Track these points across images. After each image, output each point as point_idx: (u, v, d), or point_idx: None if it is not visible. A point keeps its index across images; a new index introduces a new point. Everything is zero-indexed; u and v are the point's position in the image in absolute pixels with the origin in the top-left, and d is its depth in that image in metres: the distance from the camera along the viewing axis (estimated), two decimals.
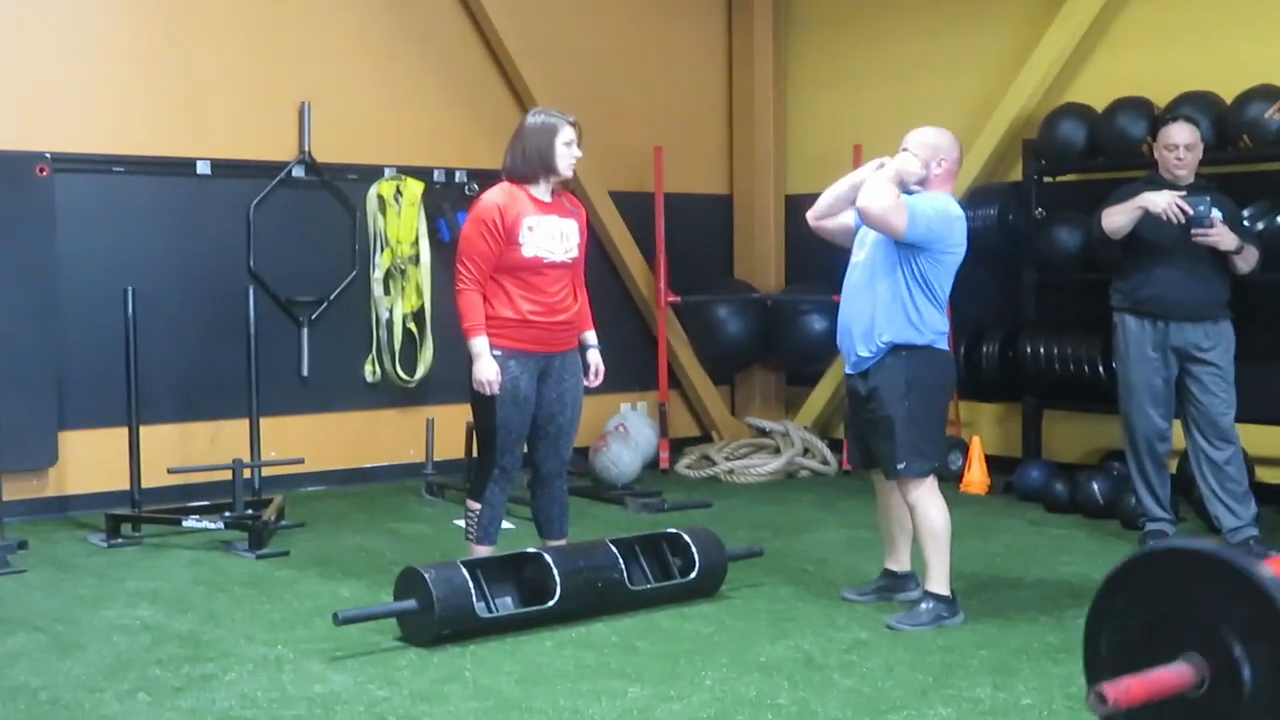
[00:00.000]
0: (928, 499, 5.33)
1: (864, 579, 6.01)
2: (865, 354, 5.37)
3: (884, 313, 5.30)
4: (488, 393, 5.52)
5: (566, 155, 5.62)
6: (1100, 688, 2.83)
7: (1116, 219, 6.45)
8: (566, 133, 5.61)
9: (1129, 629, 3.04)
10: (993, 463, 8.50)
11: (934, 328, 5.32)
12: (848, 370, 5.53)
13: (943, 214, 5.28)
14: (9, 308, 7.15)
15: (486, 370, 5.50)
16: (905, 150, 5.41)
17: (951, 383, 5.53)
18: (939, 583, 5.34)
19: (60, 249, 7.57)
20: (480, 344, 5.51)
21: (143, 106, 7.91)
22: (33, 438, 7.46)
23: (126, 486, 7.18)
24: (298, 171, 8.39)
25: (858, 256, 5.51)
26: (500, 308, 5.56)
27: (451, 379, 8.42)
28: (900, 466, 5.30)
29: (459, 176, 8.92)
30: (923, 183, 5.38)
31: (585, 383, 5.85)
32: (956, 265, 5.39)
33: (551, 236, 5.61)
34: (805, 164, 10.12)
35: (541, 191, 5.64)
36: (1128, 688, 2.83)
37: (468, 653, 4.99)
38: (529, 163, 5.61)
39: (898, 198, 5.20)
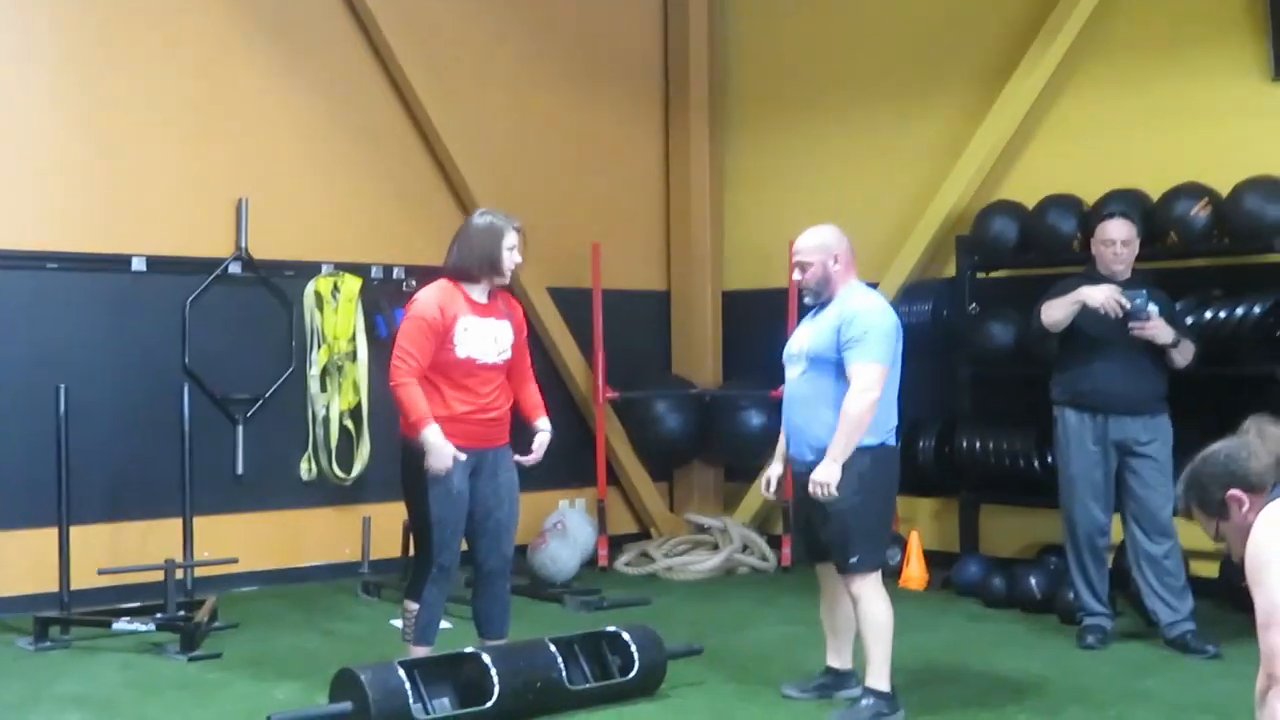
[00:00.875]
0: (873, 593, 5.33)
1: (805, 675, 5.97)
2: (815, 457, 5.37)
3: (832, 422, 5.31)
4: (445, 472, 5.45)
5: (510, 259, 5.65)
6: None
7: (1055, 312, 6.54)
8: (511, 237, 5.64)
9: None
10: (931, 557, 8.50)
11: (884, 426, 5.36)
12: (796, 469, 5.53)
13: (883, 337, 5.34)
14: None
15: (444, 457, 5.44)
16: (798, 259, 5.46)
17: (897, 478, 5.54)
18: (879, 678, 5.33)
19: None
20: (433, 433, 5.46)
21: (77, 202, 7.86)
22: None
23: (55, 588, 7.04)
24: (234, 268, 8.35)
25: (794, 371, 5.55)
26: (433, 405, 5.53)
27: (388, 476, 8.28)
28: (853, 560, 5.30)
29: (397, 273, 8.92)
30: (828, 282, 5.44)
31: (519, 460, 5.78)
32: (899, 361, 5.43)
33: (485, 338, 5.62)
34: (742, 259, 10.21)
35: (479, 293, 5.66)
36: None
37: None
38: (471, 263, 5.63)
39: (870, 406, 5.25)
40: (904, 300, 8.68)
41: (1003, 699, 5.67)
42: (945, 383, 8.56)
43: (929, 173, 9.01)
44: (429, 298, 5.61)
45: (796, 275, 5.54)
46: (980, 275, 8.58)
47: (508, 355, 5.71)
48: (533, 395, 5.91)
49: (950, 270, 8.74)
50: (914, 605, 7.71)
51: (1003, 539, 8.56)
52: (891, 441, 5.44)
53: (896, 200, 9.13)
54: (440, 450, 5.45)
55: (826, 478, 5.25)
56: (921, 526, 8.74)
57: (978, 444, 8.26)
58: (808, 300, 5.58)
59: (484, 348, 5.60)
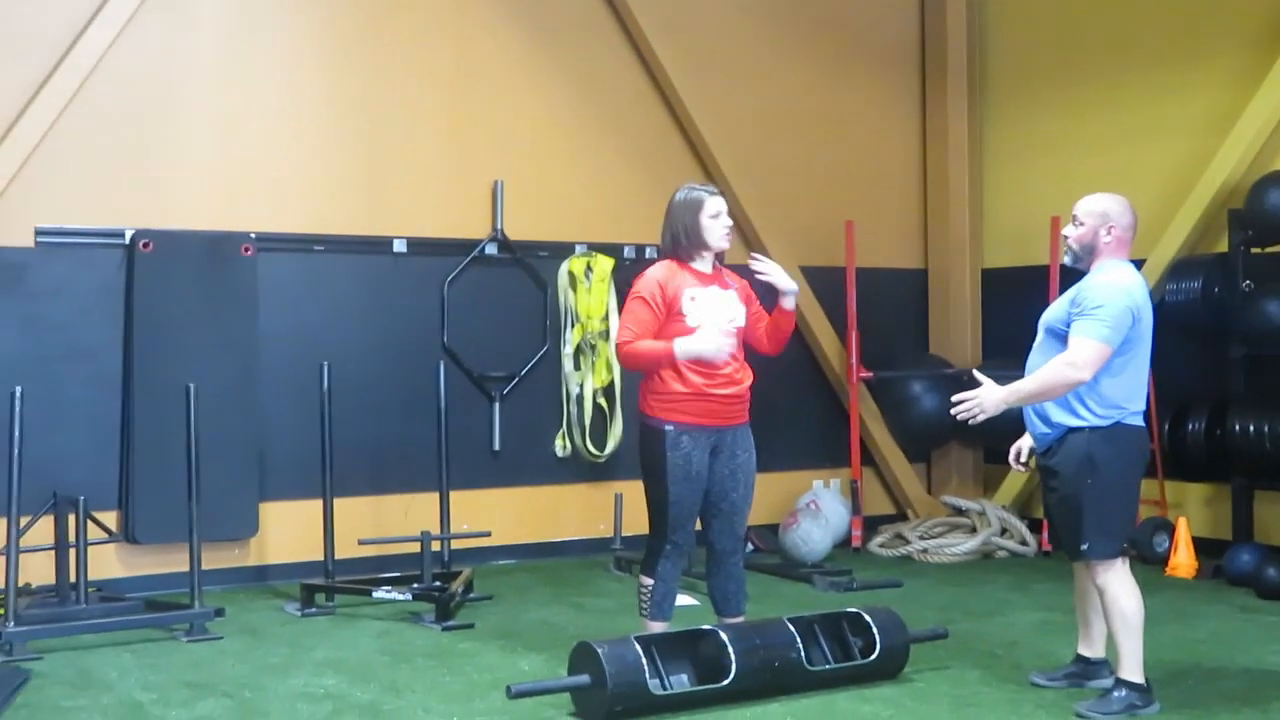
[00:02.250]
0: (1117, 582, 5.11)
1: (1055, 663, 5.78)
2: (1045, 431, 5.20)
3: (1061, 399, 5.12)
4: (717, 350, 5.43)
5: (715, 228, 5.59)
6: None
7: None
8: (711, 205, 5.59)
9: None
10: (1200, 545, 8.13)
11: (1117, 403, 5.10)
12: (1036, 449, 5.36)
13: (1115, 318, 5.06)
14: (215, 382, 7.39)
15: (704, 343, 5.42)
16: (1075, 214, 5.25)
17: (1143, 460, 5.28)
18: (1132, 669, 5.11)
19: (262, 325, 7.84)
20: (682, 343, 5.42)
21: (342, 188, 8.17)
22: (235, 508, 7.71)
23: (321, 557, 7.33)
24: (490, 249, 8.55)
25: (1036, 343, 5.37)
26: (671, 382, 5.52)
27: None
28: (1084, 548, 5.10)
29: (649, 252, 8.96)
30: (1092, 251, 5.22)
31: (759, 268, 5.66)
32: (1146, 336, 5.18)
33: (715, 307, 5.58)
34: (1002, 237, 9.94)
35: (703, 264, 5.63)
36: None
37: None
38: (679, 238, 5.61)
39: (1071, 383, 5.03)
40: (1172, 277, 8.31)
41: (1269, 696, 5.36)
42: (1217, 364, 8.17)
43: (1199, 144, 8.58)
44: (649, 275, 5.62)
45: (1066, 230, 5.32)
46: (1255, 250, 8.14)
47: (740, 324, 5.66)
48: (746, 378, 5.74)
49: (1222, 246, 8.31)
50: (1180, 594, 7.40)
51: (1278, 527, 8.11)
52: (1131, 421, 5.16)
53: (1164, 174, 8.72)
54: (697, 343, 5.40)
55: (982, 396, 5.10)
56: (1191, 513, 8.36)
57: (1251, 427, 7.84)
58: (1066, 260, 5.37)
59: (716, 315, 5.55)
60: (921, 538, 8.99)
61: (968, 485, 9.99)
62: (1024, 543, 8.92)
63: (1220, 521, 8.37)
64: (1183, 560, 8.03)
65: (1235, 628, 6.68)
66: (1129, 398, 5.14)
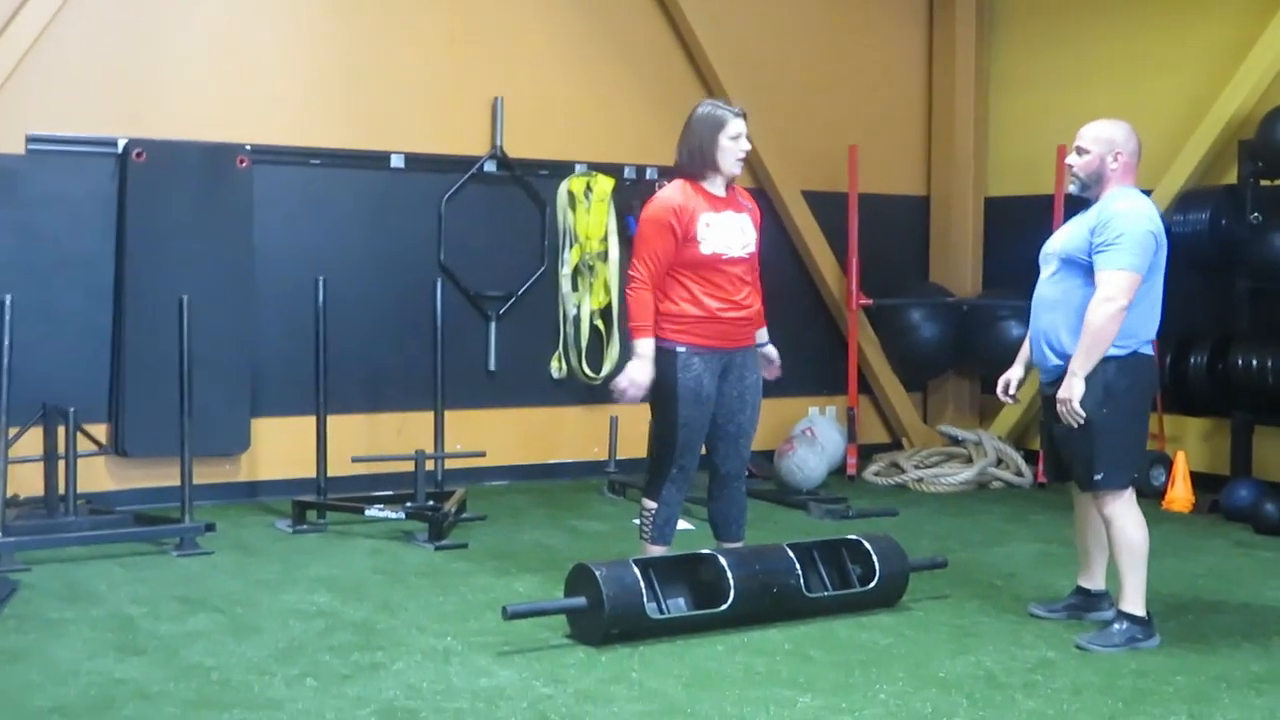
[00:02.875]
0: (1125, 513, 5.05)
1: (1054, 595, 5.75)
2: (1058, 362, 5.11)
3: (1077, 328, 5.02)
4: (629, 395, 5.43)
5: (732, 150, 5.45)
6: None
7: None
8: (733, 126, 5.45)
9: None
10: (1198, 480, 8.09)
11: (1133, 333, 5.02)
12: (1042, 379, 5.27)
13: (1138, 244, 4.97)
14: (209, 295, 7.27)
15: (642, 373, 5.41)
16: (1078, 143, 5.15)
17: (1153, 390, 5.21)
18: (1134, 602, 5.06)
19: (257, 240, 7.72)
20: (646, 345, 5.42)
21: (339, 101, 8.02)
22: (226, 424, 7.64)
23: (313, 474, 7.26)
24: (489, 167, 8.42)
25: (1046, 272, 5.26)
26: (684, 304, 5.44)
27: None
28: (1097, 478, 5.02)
29: (650, 173, 8.85)
30: (1100, 179, 5.11)
31: (766, 376, 5.70)
32: (1162, 265, 5.10)
33: (729, 232, 5.47)
34: (1006, 166, 9.82)
35: (716, 186, 5.51)
36: None
37: (636, 654, 4.89)
38: (696, 156, 5.49)
39: (1115, 315, 4.93)
40: (1179, 209, 8.21)
41: (1269, 631, 5.33)
42: (1221, 297, 8.09)
43: (1210, 75, 8.45)
44: (665, 199, 5.49)
45: (1070, 159, 5.22)
46: (1264, 183, 8.04)
47: (752, 249, 5.56)
48: (757, 302, 5.71)
49: (1231, 177, 8.21)
50: (1178, 529, 7.36)
51: (1277, 463, 8.07)
52: (1145, 350, 5.09)
53: (1174, 104, 8.60)
54: (644, 364, 5.39)
55: (1069, 394, 4.97)
56: (1189, 447, 8.32)
57: (1254, 362, 7.78)
58: (1071, 189, 5.26)
59: (729, 241, 5.45)
60: (917, 467, 8.95)
61: (964, 415, 9.93)
62: (1019, 473, 8.88)
63: (1219, 456, 8.33)
64: (1180, 494, 7.99)
65: (1233, 563, 6.64)
66: (1144, 327, 5.07)
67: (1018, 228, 9.55)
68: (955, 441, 9.23)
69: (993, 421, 9.52)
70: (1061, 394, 5.00)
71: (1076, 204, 5.41)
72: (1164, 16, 8.82)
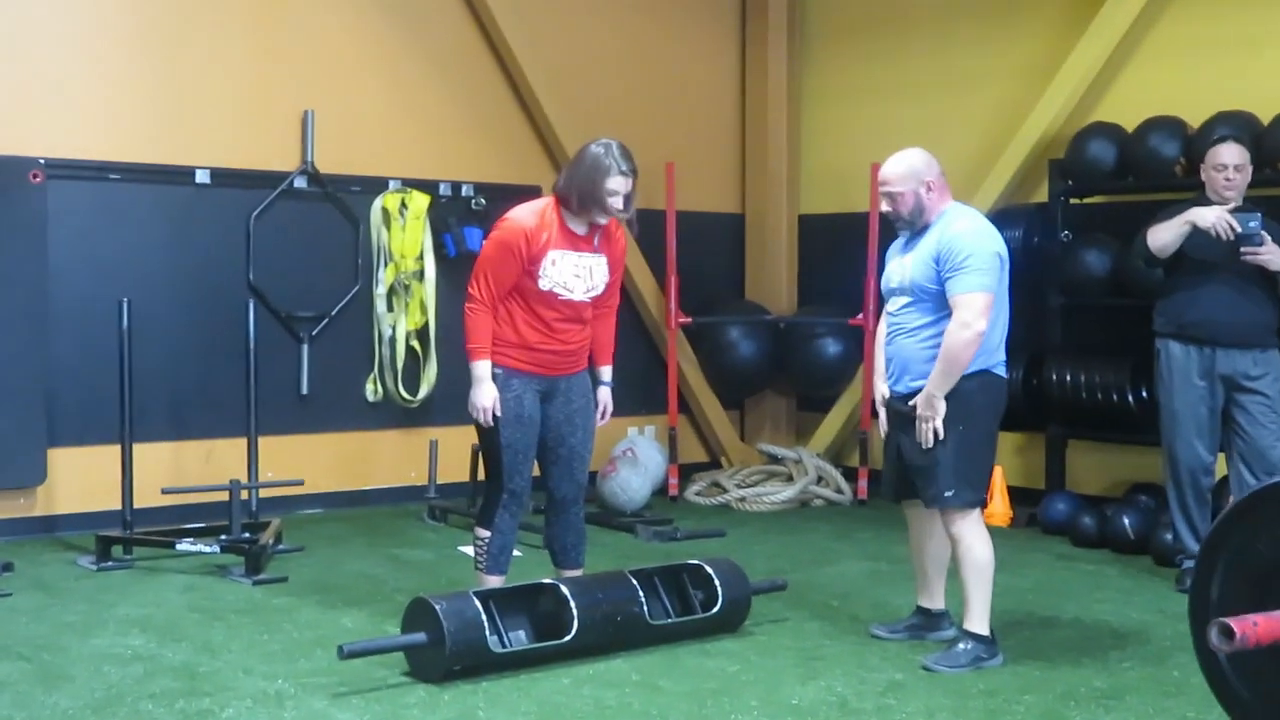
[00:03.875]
0: (973, 531, 5.04)
1: (891, 615, 5.73)
2: (917, 384, 5.06)
3: (934, 348, 5.00)
4: (482, 420, 5.26)
5: (610, 202, 5.26)
6: (1225, 621, 2.56)
7: (1163, 235, 6.19)
8: (614, 181, 5.25)
9: (1248, 568, 2.77)
10: (1014, 494, 8.22)
11: (988, 352, 5.03)
12: (894, 395, 5.21)
13: (987, 263, 4.99)
14: None
15: (483, 396, 5.24)
16: (887, 189, 5.12)
17: (1002, 409, 5.22)
18: (979, 621, 5.05)
19: (52, 258, 7.27)
20: (482, 368, 5.24)
21: (141, 112, 7.63)
22: (20, 454, 7.18)
23: (118, 506, 6.86)
24: (300, 182, 8.10)
25: (895, 304, 5.21)
26: (503, 328, 5.28)
27: (456, 399, 8.08)
28: (948, 494, 5.00)
29: (465, 190, 8.64)
30: (922, 211, 5.11)
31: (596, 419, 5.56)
32: (1006, 283, 5.13)
33: (574, 273, 5.30)
34: (820, 183, 9.87)
35: (577, 224, 5.33)
36: (1255, 624, 2.56)
37: (480, 690, 4.70)
38: (571, 192, 5.29)
39: (972, 340, 4.91)
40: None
41: (1105, 645, 5.38)
42: (1034, 313, 8.18)
43: (1020, 93, 8.61)
44: (518, 221, 5.27)
45: (885, 207, 5.19)
46: (1074, 201, 8.21)
47: (598, 292, 5.40)
48: (605, 333, 5.58)
49: (1041, 195, 8.36)
50: (999, 543, 7.15)
51: (1091, 476, 8.25)
52: (997, 370, 5.11)
53: (985, 122, 8.74)
54: (484, 387, 5.22)
55: (931, 412, 4.95)
56: (1005, 461, 8.39)
57: (1068, 377, 7.92)
58: (902, 230, 5.24)
59: (570, 283, 5.28)
60: (739, 486, 8.90)
61: (781, 433, 9.94)
62: (840, 491, 8.91)
63: (1033, 470, 8.47)
64: (998, 509, 8.09)
65: (1058, 576, 6.73)
66: (996, 345, 5.08)
67: (832, 245, 9.65)
68: (775, 460, 9.22)
69: (810, 439, 9.54)
70: (924, 410, 4.96)
71: (892, 223, 5.39)
72: (975, 32, 8.95)
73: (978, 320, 4.91)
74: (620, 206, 5.30)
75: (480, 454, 5.53)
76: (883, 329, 5.33)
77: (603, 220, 5.33)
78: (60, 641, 5.29)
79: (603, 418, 5.60)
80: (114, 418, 6.88)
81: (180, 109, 7.73)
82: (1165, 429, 6.41)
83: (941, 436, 4.96)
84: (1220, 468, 6.42)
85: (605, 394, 5.61)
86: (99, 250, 7.50)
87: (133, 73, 7.60)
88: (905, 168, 5.14)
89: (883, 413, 5.33)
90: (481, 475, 5.70)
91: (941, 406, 4.94)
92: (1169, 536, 6.64)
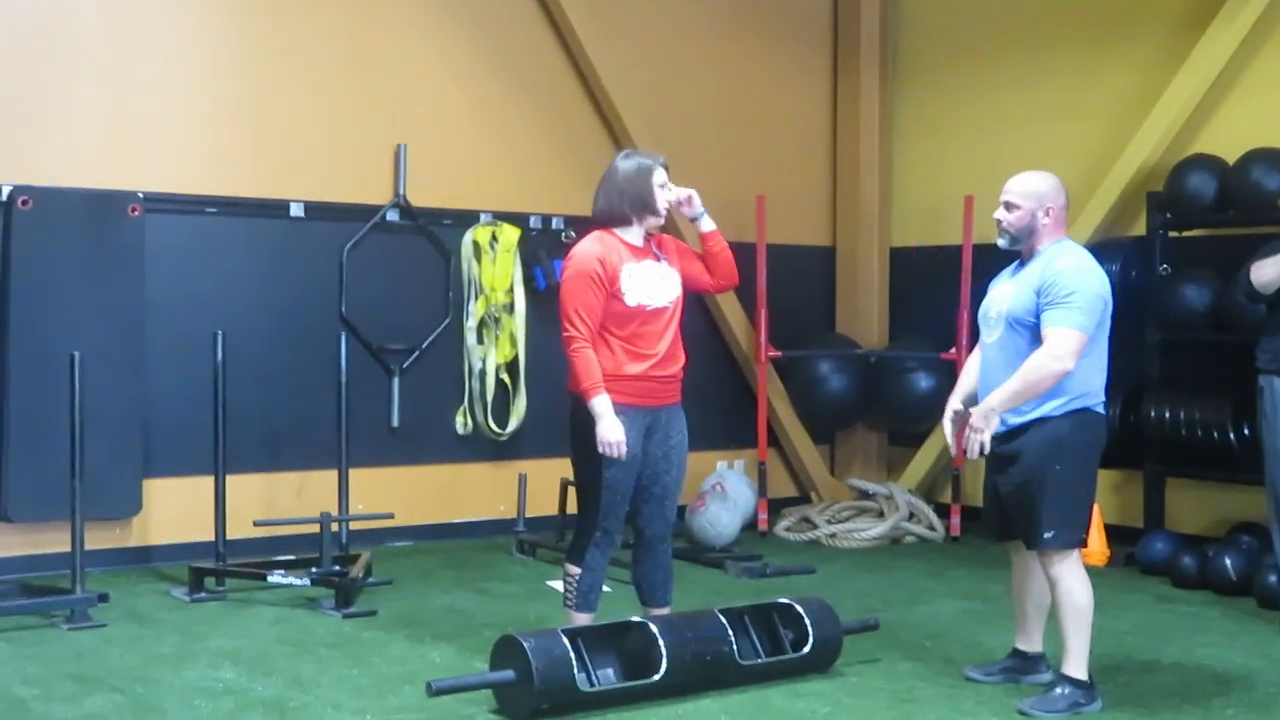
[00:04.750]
0: (1072, 573, 4.93)
1: (985, 656, 5.62)
2: (1012, 420, 4.97)
3: None
4: (614, 454, 5.17)
5: (661, 197, 5.34)
6: None
7: (1267, 271, 6.05)
8: (660, 174, 5.35)
9: None
10: (1111, 533, 8.06)
11: (1086, 389, 4.93)
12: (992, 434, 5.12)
13: (1089, 303, 4.92)
14: (97, 350, 6.88)
15: (612, 431, 5.14)
16: (1006, 198, 5.06)
17: (1102, 448, 5.11)
18: (1077, 666, 4.94)
19: (149, 291, 7.37)
20: (603, 403, 5.16)
21: (236, 147, 7.73)
22: (116, 485, 7.25)
23: (211, 538, 6.91)
24: (392, 215, 8.17)
25: (991, 336, 5.13)
26: (606, 361, 5.24)
27: (545, 432, 8.15)
28: (1047, 535, 4.90)
29: (556, 223, 8.66)
30: (1031, 234, 5.03)
31: (672, 198, 5.42)
32: (1108, 324, 5.03)
33: (651, 282, 5.31)
34: (911, 216, 9.78)
35: (634, 236, 5.35)
36: None
37: None
38: (624, 206, 5.33)
39: (1056, 374, 4.84)
40: None
41: (1207, 691, 5.24)
42: (1131, 348, 8.00)
43: (1117, 125, 8.48)
44: (587, 251, 5.29)
45: (999, 214, 5.11)
46: (1173, 234, 8.06)
47: (677, 294, 5.39)
48: (680, 357, 5.50)
49: (1139, 229, 8.22)
50: (1096, 583, 7.04)
51: (1190, 515, 8.07)
52: (1097, 408, 5.01)
53: (1081, 154, 8.61)
54: (609, 422, 5.14)
55: (983, 424, 4.86)
56: (1101, 499, 8.20)
57: (1166, 413, 7.76)
58: (1001, 243, 5.16)
59: (652, 292, 5.28)
60: (829, 521, 8.81)
61: (871, 468, 9.83)
62: (932, 527, 8.79)
63: (1130, 508, 8.31)
64: (1095, 547, 7.93)
65: (1157, 618, 6.58)
66: (1095, 383, 4.98)
67: (923, 278, 9.56)
68: (865, 495, 9.12)
69: (901, 474, 9.43)
70: (977, 420, 4.87)
71: (992, 256, 5.32)
72: (1070, 62, 8.84)
73: (1068, 358, 4.82)
74: (674, 198, 5.38)
75: (577, 490, 5.47)
76: (975, 355, 5.25)
77: (659, 220, 5.38)
78: (153, 674, 5.32)
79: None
80: (208, 449, 6.93)
81: (274, 143, 7.83)
82: (1269, 467, 6.25)
83: (987, 450, 4.88)
84: None
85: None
86: (195, 283, 7.59)
87: (228, 107, 7.70)
88: (1033, 186, 5.09)
89: (948, 425, 5.24)
90: (571, 509, 5.67)
91: (995, 423, 4.87)
92: (1274, 579, 6.49)
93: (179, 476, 7.45)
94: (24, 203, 7.04)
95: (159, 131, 7.50)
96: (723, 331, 9.38)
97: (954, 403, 5.28)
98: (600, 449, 5.16)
